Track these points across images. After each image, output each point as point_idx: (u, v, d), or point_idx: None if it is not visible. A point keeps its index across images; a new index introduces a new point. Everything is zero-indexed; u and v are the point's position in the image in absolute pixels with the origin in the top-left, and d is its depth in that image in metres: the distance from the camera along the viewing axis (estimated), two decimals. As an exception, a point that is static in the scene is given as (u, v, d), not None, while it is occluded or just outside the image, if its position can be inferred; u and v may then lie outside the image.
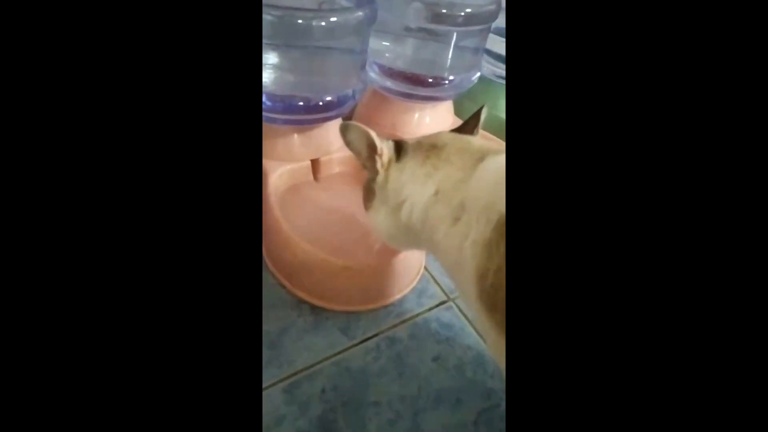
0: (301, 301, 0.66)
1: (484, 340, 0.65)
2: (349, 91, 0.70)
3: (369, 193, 0.55)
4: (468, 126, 0.58)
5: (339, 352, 0.61)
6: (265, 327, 0.62)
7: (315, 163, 0.76)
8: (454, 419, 0.56)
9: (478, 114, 0.58)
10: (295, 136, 0.73)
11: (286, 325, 0.63)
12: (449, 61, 0.82)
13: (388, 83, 0.81)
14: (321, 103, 0.68)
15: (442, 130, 0.57)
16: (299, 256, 0.63)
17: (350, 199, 0.73)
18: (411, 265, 0.70)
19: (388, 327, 0.65)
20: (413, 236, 0.52)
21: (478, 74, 0.86)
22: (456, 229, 0.45)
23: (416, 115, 0.88)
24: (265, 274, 0.69)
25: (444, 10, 0.73)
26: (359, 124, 0.51)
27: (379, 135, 0.52)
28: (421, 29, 0.80)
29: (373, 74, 0.81)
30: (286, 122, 0.68)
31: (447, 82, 0.83)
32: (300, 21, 0.57)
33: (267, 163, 0.71)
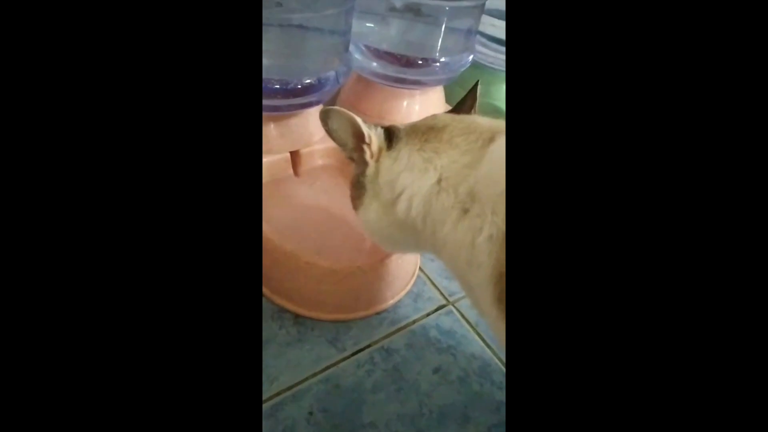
0: (282, 310, 0.58)
1: (496, 351, 0.58)
2: (331, 74, 0.63)
3: (358, 189, 0.48)
4: (464, 105, 0.51)
5: (327, 367, 0.54)
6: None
7: (295, 156, 0.69)
8: (462, 439, 0.50)
9: (474, 91, 0.51)
10: (272, 125, 0.65)
11: (266, 338, 0.56)
12: (440, 42, 0.75)
13: (375, 65, 0.74)
14: (300, 87, 0.60)
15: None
16: (280, 260, 0.56)
17: (335, 194, 0.66)
18: (405, 266, 0.63)
19: (383, 336, 0.58)
20: (413, 235, 0.45)
21: (471, 56, 0.79)
22: (466, 222, 0.39)
23: (405, 103, 0.81)
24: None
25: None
26: (342, 109, 0.44)
27: (366, 121, 0.45)
28: (408, 9, 0.73)
29: (358, 56, 0.74)
30: (268, 108, 0.61)
31: (438, 64, 0.76)
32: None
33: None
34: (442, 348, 0.58)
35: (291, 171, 0.69)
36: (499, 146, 0.40)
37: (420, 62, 0.75)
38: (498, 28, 0.90)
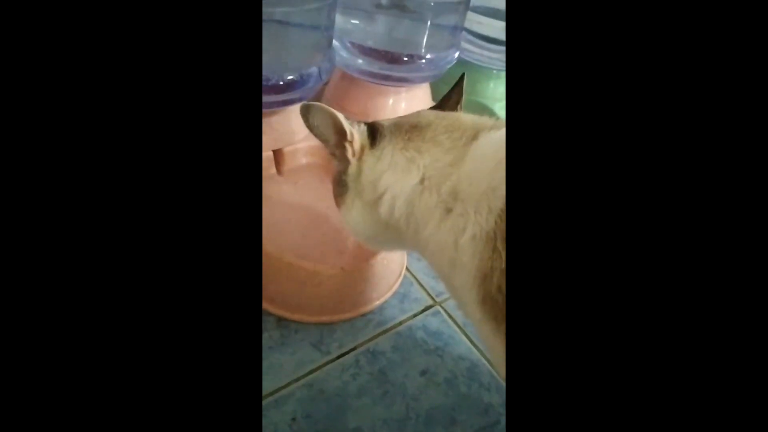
0: (264, 313, 0.57)
1: (484, 352, 0.57)
2: (314, 70, 0.61)
3: (340, 187, 0.46)
4: (450, 100, 0.50)
5: (311, 372, 0.52)
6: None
7: (278, 154, 0.67)
8: (449, 443, 0.49)
9: (459, 86, 0.50)
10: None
11: (248, 343, 0.54)
12: (425, 38, 0.74)
13: (360, 62, 0.72)
14: (281, 83, 0.59)
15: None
16: (262, 261, 0.54)
17: (319, 194, 0.64)
18: (391, 266, 0.62)
19: (368, 339, 0.57)
20: (396, 235, 0.44)
21: (457, 53, 0.78)
22: (449, 222, 0.38)
23: (390, 100, 0.80)
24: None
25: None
26: (323, 105, 0.43)
27: (348, 117, 0.43)
28: (393, 5, 0.72)
29: (344, 53, 0.73)
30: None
31: (423, 60, 0.75)
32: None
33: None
34: (429, 349, 0.57)
35: (274, 170, 0.68)
36: (483, 144, 0.39)
37: (405, 59, 0.74)
38: (484, 25, 0.89)
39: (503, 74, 0.91)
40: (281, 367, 0.52)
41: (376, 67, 0.72)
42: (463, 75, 0.52)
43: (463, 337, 0.59)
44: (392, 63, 0.73)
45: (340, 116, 0.43)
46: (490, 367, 0.56)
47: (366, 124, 0.44)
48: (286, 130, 0.66)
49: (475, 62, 0.90)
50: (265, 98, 0.59)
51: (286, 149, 0.67)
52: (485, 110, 0.89)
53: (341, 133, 0.43)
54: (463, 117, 0.44)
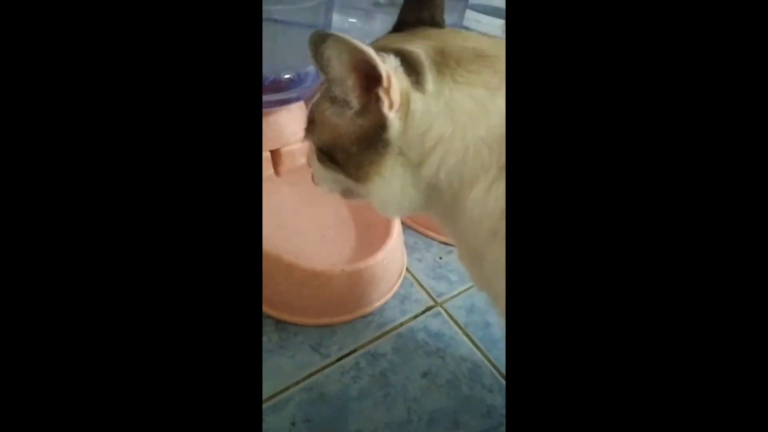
0: (265, 317, 0.56)
1: (486, 353, 0.57)
2: (311, 69, 0.60)
3: (368, 154, 0.35)
4: (426, 12, 0.40)
5: (311, 375, 0.52)
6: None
7: (275, 155, 0.66)
8: (452, 446, 0.48)
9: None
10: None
11: (247, 346, 0.53)
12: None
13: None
14: (279, 82, 0.58)
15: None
16: (261, 262, 0.53)
17: (318, 194, 0.63)
18: (391, 267, 0.61)
19: (369, 341, 0.56)
20: (427, 200, 0.36)
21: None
22: (501, 186, 0.32)
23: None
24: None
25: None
26: (346, 36, 0.31)
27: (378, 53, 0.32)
28: (391, 3, 0.71)
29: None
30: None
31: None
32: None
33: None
34: (430, 351, 0.56)
35: (272, 170, 0.67)
36: None
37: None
38: (482, 23, 0.89)
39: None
40: (280, 371, 0.51)
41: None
42: None
43: (465, 339, 0.58)
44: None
45: (371, 53, 0.31)
46: (493, 368, 0.55)
47: (397, 56, 0.33)
48: (284, 130, 0.66)
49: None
50: (263, 98, 0.58)
51: (284, 149, 0.67)
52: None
53: (370, 77, 0.32)
54: None
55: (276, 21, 0.57)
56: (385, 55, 0.32)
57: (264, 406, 0.48)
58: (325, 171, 0.38)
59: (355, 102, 0.33)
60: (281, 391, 0.50)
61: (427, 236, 0.70)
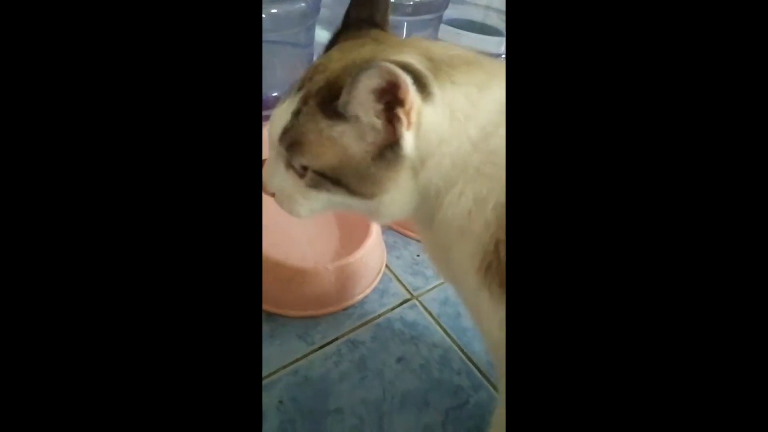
0: (255, 309, 0.62)
1: (456, 340, 0.63)
2: (296, 86, 0.67)
3: (387, 169, 0.35)
4: (376, 14, 0.41)
5: (297, 360, 0.58)
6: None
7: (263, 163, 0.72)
8: (422, 421, 0.54)
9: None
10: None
11: (240, 336, 0.59)
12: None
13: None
14: (267, 100, 0.64)
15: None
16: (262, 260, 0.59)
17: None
18: (371, 264, 0.67)
19: (349, 330, 0.62)
20: (418, 204, 0.38)
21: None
22: (475, 186, 0.34)
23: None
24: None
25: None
26: (386, 64, 0.31)
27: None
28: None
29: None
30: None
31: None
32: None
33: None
34: (405, 339, 0.62)
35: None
36: None
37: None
38: (462, 36, 0.94)
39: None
40: (270, 357, 0.57)
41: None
42: None
43: (437, 328, 0.64)
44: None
45: (408, 80, 0.31)
46: (461, 354, 0.61)
47: (403, 70, 0.32)
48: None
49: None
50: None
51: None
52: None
53: (393, 100, 0.33)
54: (489, 58, 0.39)
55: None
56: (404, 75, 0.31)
57: (255, 387, 0.55)
58: (317, 194, 0.37)
59: (379, 124, 0.33)
60: (270, 375, 0.56)
61: (406, 236, 0.77)
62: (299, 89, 0.37)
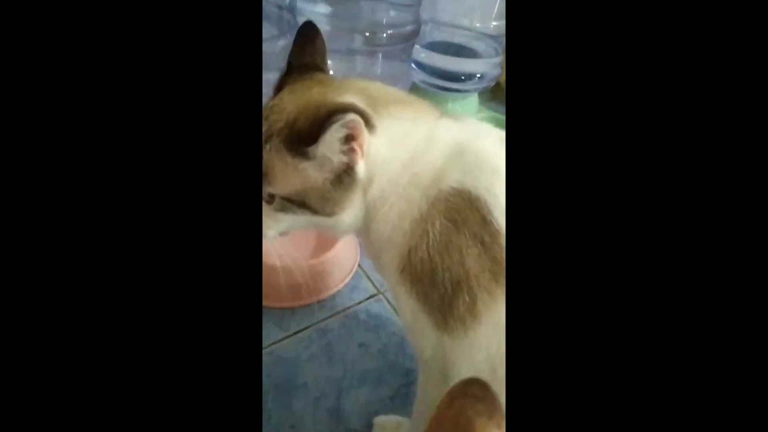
0: (241, 300, 0.74)
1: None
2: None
3: (344, 191, 0.42)
4: (305, 58, 0.47)
5: (273, 344, 0.69)
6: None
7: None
8: (375, 395, 0.64)
9: (313, 42, 0.48)
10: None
11: (227, 322, 0.71)
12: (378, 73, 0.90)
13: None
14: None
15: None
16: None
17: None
18: (344, 263, 0.77)
19: (320, 320, 0.73)
20: (363, 218, 0.45)
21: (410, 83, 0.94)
22: (402, 204, 0.42)
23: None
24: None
25: (367, 34, 0.81)
26: (355, 117, 0.38)
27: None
28: (367, 44, 0.87)
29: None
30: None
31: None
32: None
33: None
34: (368, 328, 0.72)
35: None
36: (444, 129, 0.43)
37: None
38: (433, 56, 1.02)
39: (460, 96, 1.06)
40: (251, 340, 0.68)
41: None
42: (308, 28, 0.48)
43: (397, 319, 0.74)
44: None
45: (363, 127, 0.39)
46: (416, 342, 0.71)
47: (351, 112, 0.38)
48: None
49: (428, 88, 1.05)
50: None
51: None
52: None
53: (350, 138, 0.40)
54: (416, 98, 0.47)
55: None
56: (347, 115, 0.38)
57: (237, 364, 0.66)
58: (284, 216, 0.43)
59: (341, 159, 0.40)
60: (250, 355, 0.67)
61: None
62: None
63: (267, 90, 0.45)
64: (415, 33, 0.87)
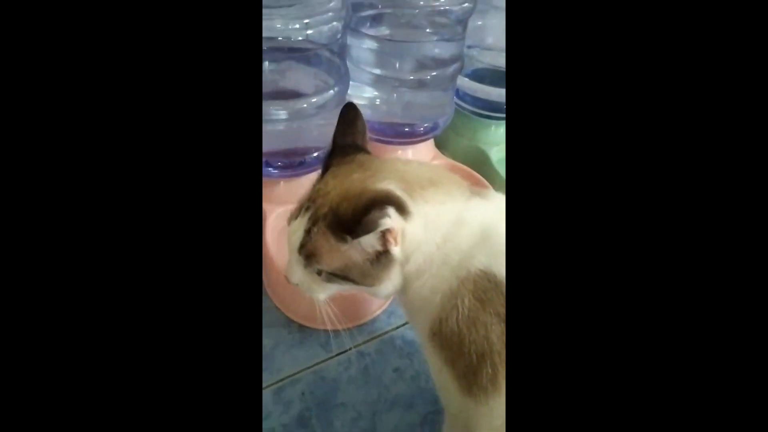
0: (291, 321, 0.82)
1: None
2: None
3: (381, 268, 0.48)
4: (349, 139, 0.53)
5: (317, 363, 0.77)
6: (263, 341, 0.79)
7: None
8: (405, 420, 0.71)
9: (355, 122, 0.54)
10: (283, 182, 0.88)
11: (278, 341, 0.80)
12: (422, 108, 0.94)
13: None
14: (308, 160, 0.83)
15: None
16: (289, 288, 0.78)
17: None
18: (383, 290, 0.84)
19: (360, 343, 0.80)
20: (399, 285, 0.51)
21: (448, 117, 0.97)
22: (434, 280, 0.48)
23: (399, 152, 1.01)
24: (265, 299, 0.85)
25: (411, 77, 0.85)
26: (391, 211, 0.44)
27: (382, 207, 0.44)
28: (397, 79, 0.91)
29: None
30: (281, 176, 0.84)
31: (422, 128, 0.95)
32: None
33: (266, 206, 0.86)
34: (403, 354, 0.79)
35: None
36: (473, 212, 0.48)
37: (406, 129, 0.94)
38: (477, 86, 1.05)
39: (503, 123, 1.08)
40: (297, 359, 0.77)
41: (381, 136, 0.94)
42: (349, 110, 0.54)
43: (430, 346, 0.81)
44: (396, 136, 0.94)
45: (397, 225, 0.45)
46: (446, 370, 0.77)
47: (388, 203, 0.44)
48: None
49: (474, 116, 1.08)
50: (299, 170, 0.82)
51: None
52: (482, 155, 1.06)
53: (386, 231, 0.45)
54: (454, 175, 0.52)
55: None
56: (386, 209, 0.43)
57: (284, 382, 0.74)
58: (329, 285, 0.51)
59: (378, 246, 0.46)
60: (297, 373, 0.75)
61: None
62: (307, 209, 0.50)
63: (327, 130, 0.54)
64: (459, 70, 0.90)
